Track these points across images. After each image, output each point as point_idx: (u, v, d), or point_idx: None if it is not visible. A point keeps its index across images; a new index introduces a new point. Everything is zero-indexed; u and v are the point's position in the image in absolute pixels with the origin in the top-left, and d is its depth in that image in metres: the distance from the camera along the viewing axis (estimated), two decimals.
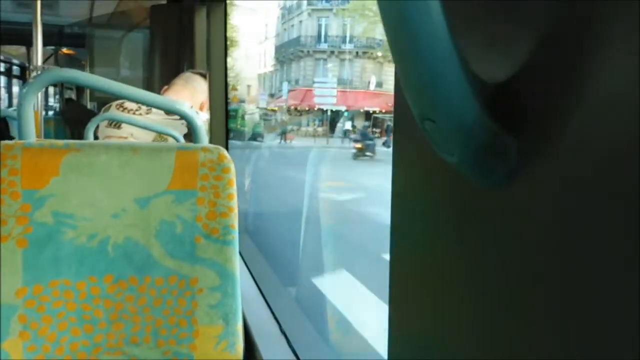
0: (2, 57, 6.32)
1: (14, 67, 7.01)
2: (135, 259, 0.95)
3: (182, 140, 1.57)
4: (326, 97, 24.20)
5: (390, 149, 0.46)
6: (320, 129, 23.12)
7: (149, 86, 3.09)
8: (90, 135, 1.67)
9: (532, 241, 0.28)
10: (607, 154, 0.24)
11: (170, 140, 1.61)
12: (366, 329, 3.37)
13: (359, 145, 13.79)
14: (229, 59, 2.23)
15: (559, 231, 0.26)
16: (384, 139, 17.37)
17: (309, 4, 26.81)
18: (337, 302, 3.92)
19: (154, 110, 1.69)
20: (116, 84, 0.97)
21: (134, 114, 1.73)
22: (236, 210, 0.98)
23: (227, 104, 2.17)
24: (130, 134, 1.72)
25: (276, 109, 26.11)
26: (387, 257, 0.46)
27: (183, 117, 1.06)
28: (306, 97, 24.82)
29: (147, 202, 0.95)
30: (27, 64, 5.93)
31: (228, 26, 2.22)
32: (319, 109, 24.13)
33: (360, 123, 22.37)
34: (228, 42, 2.29)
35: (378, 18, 0.28)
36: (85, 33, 4.59)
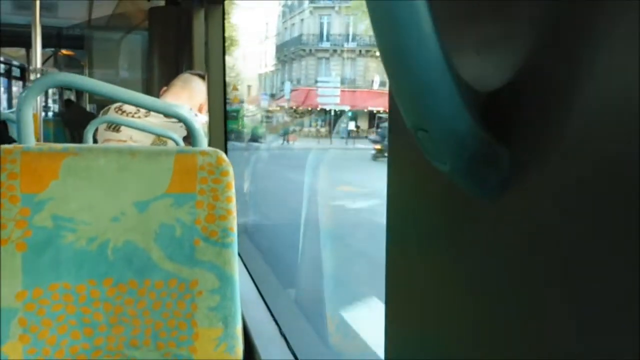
0: (2, 59, 6.32)
1: (14, 69, 7.02)
2: (134, 262, 0.95)
3: (181, 142, 1.57)
4: (329, 96, 23.93)
5: None
6: (323, 130, 22.98)
7: (147, 87, 3.10)
8: (90, 138, 1.67)
9: (524, 247, 0.28)
10: (600, 164, 0.24)
11: (170, 142, 1.61)
12: None
13: (378, 146, 13.62)
14: (229, 59, 2.23)
15: (550, 239, 0.27)
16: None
17: (310, 2, 26.62)
18: (372, 342, 3.00)
19: (152, 112, 1.70)
20: (116, 88, 0.97)
21: (132, 116, 1.73)
22: (235, 213, 0.98)
23: (225, 106, 2.18)
24: (129, 137, 1.72)
25: (277, 109, 25.96)
26: None
27: (181, 120, 1.07)
28: (309, 97, 24.62)
29: (146, 205, 0.95)
30: (26, 66, 5.94)
31: (227, 25, 2.23)
32: (322, 109, 23.98)
33: (363, 123, 22.23)
34: (228, 42, 2.29)
35: None
36: (84, 35, 4.59)
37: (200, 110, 1.97)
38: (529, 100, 0.29)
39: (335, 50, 26.03)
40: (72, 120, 4.92)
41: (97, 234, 0.94)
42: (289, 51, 27.65)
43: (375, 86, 24.45)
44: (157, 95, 1.95)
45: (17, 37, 4.42)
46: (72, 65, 5.56)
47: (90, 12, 3.95)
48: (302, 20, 27.10)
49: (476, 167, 0.30)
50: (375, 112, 22.68)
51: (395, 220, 0.44)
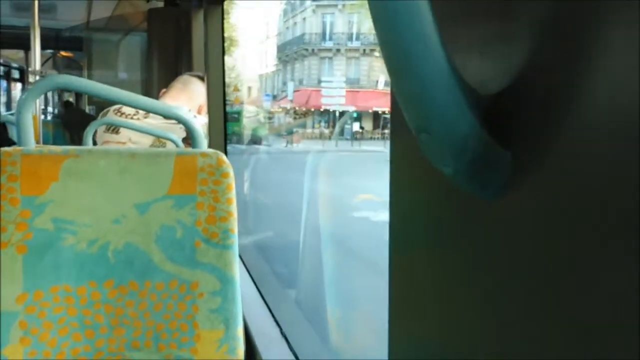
0: (1, 61, 6.33)
1: (13, 71, 7.02)
2: (135, 264, 0.95)
3: (181, 144, 1.57)
4: (334, 97, 23.60)
5: None
6: (327, 131, 22.77)
7: (147, 89, 3.10)
8: (89, 140, 1.67)
9: (527, 247, 0.29)
10: (601, 165, 0.24)
11: (169, 144, 1.61)
12: None
13: None
14: (229, 59, 2.23)
15: (552, 240, 0.27)
16: None
17: (313, 0, 26.42)
18: None
19: (151, 114, 1.70)
20: (115, 90, 0.97)
21: (131, 118, 1.73)
22: (235, 215, 0.98)
23: (225, 107, 2.17)
24: (129, 139, 1.72)
25: (279, 110, 25.75)
26: None
27: (181, 121, 1.07)
28: (312, 98, 24.35)
29: (147, 207, 0.95)
30: (25, 67, 5.94)
31: (227, 25, 2.22)
32: (325, 110, 23.77)
33: (368, 124, 22.02)
34: (227, 42, 2.28)
35: None
36: (82, 36, 4.59)
37: (199, 111, 1.96)
38: (530, 102, 0.29)
39: (338, 50, 25.69)
40: (72, 121, 4.92)
41: (98, 236, 0.93)
42: (291, 51, 27.37)
43: (380, 86, 24.23)
44: (157, 97, 1.95)
45: (16, 39, 4.42)
46: (71, 66, 5.56)
47: (89, 14, 3.95)
48: (304, 19, 26.84)
49: (478, 169, 0.30)
50: (380, 112, 22.49)
51: (398, 222, 0.45)
